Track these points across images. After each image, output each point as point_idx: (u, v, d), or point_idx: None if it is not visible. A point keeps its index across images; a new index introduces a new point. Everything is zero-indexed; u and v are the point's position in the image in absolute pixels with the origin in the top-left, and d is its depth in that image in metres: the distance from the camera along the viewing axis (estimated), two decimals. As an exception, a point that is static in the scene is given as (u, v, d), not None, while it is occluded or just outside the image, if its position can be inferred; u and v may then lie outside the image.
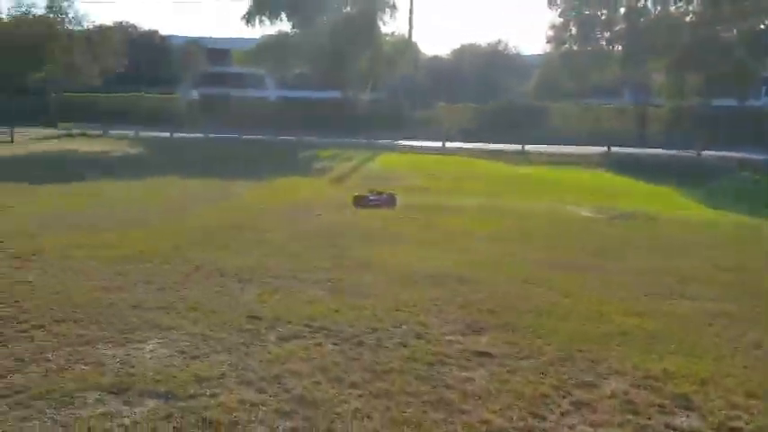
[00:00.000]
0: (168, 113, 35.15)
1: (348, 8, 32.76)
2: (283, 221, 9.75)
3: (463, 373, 3.96)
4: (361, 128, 31.77)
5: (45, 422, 3.23)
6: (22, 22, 37.93)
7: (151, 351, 4.17)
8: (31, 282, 5.81)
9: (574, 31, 33.69)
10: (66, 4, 39.38)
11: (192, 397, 3.52)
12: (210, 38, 50.36)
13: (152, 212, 10.18)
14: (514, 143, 26.92)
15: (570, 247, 8.38)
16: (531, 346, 4.45)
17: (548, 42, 35.82)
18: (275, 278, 6.16)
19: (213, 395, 3.55)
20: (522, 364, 4.15)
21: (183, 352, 4.15)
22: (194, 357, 4.07)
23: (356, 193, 12.06)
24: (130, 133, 31.59)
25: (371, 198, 11.87)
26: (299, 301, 5.37)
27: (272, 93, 48.23)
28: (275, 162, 21.15)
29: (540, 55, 42.31)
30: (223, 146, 27.00)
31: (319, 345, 4.38)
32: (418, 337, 4.58)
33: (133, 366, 3.90)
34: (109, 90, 39.84)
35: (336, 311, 5.09)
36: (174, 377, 3.74)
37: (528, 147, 26.31)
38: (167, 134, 30.65)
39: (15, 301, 5.18)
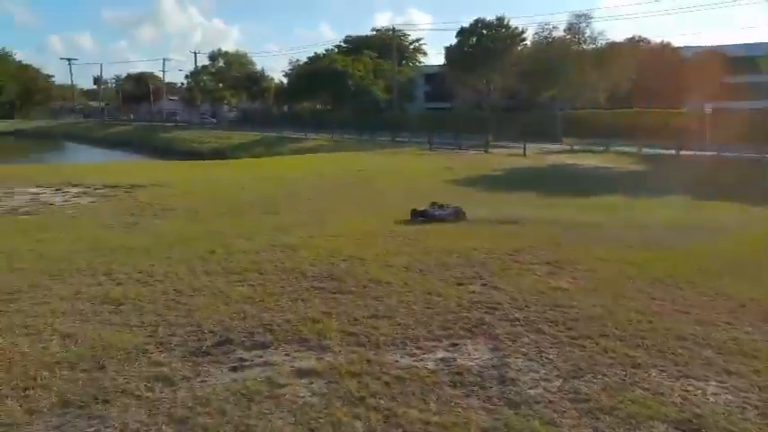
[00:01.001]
0: (674, 129, 33.52)
1: None
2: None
3: None
4: None
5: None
6: (541, 46, 42.56)
7: (714, 394, 3.76)
8: (566, 289, 6.20)
9: None
10: (584, 24, 42.12)
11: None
12: (733, 45, 45.19)
13: (674, 234, 9.66)
14: None
15: None
16: None
17: None
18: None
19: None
20: None
21: (755, 406, 3.59)
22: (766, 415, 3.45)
23: (414, 207, 11.01)
24: (632, 149, 31.60)
25: (435, 213, 10.82)
26: None
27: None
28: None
29: None
30: (741, 166, 23.94)
31: None
32: None
33: (698, 406, 3.58)
34: (614, 106, 40.75)
35: None
36: (751, 433, 3.24)
37: None
38: (673, 151, 29.28)
39: (557, 305, 5.61)
